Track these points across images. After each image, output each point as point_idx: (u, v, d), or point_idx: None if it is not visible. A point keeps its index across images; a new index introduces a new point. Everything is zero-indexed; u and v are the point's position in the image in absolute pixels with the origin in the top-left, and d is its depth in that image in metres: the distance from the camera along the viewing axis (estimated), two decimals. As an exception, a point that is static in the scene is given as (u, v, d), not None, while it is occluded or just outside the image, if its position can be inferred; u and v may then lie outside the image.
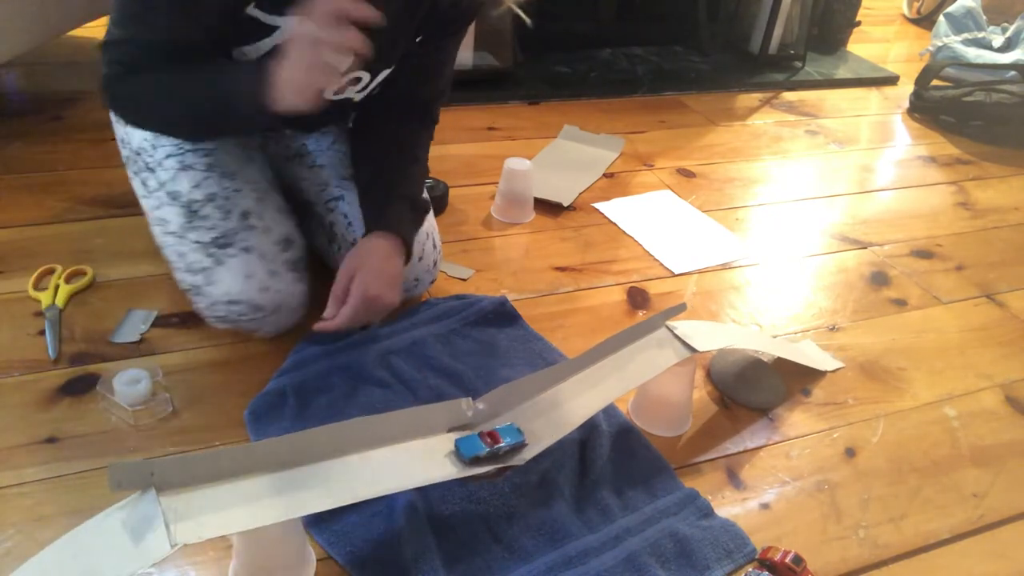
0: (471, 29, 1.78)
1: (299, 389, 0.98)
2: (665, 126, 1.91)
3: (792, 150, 1.88)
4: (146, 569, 0.65)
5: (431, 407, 0.81)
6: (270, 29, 0.91)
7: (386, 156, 1.10)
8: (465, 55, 1.88)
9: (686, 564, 0.83)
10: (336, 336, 1.04)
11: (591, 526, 0.86)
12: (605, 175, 1.64)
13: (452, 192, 1.47)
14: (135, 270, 1.18)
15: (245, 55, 0.94)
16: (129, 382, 0.93)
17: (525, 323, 1.17)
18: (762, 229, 1.52)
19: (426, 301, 1.18)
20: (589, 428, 0.96)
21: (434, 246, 1.16)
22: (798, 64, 2.34)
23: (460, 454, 0.78)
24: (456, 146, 1.68)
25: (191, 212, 0.99)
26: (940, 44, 2.43)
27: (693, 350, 0.96)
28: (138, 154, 1.04)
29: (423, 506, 0.84)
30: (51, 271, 1.14)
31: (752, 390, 1.09)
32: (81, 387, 0.97)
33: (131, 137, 1.05)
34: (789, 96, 2.20)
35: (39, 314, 1.08)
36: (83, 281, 1.13)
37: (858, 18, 2.56)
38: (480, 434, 0.80)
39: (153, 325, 1.08)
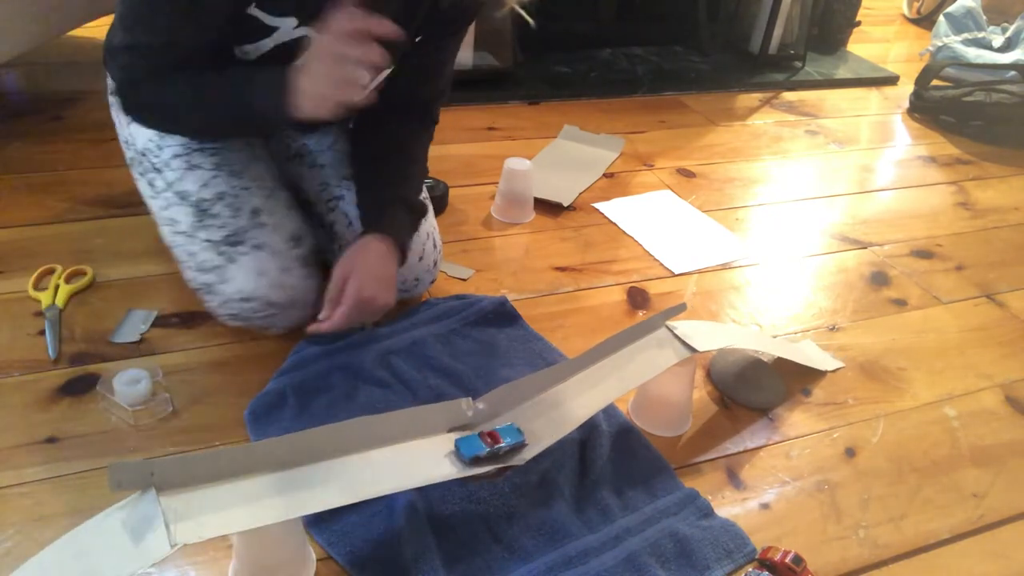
0: (471, 29, 1.78)
1: (299, 389, 0.98)
2: (665, 126, 1.91)
3: (792, 150, 1.88)
4: (146, 569, 0.65)
5: (431, 407, 0.81)
6: (270, 29, 0.92)
7: (385, 156, 1.10)
8: (465, 55, 1.88)
9: (686, 564, 0.83)
10: (336, 336, 1.04)
11: (591, 526, 0.86)
12: (605, 175, 1.64)
13: (452, 192, 1.47)
14: (135, 270, 1.18)
15: (246, 54, 0.95)
16: (129, 382, 0.93)
17: (525, 323, 1.17)
18: (762, 229, 1.52)
19: (426, 301, 1.18)
20: (589, 428, 0.96)
21: (434, 246, 1.16)
22: (798, 64, 2.34)
23: (460, 454, 0.78)
24: (456, 146, 1.68)
25: (201, 211, 0.99)
26: (940, 44, 2.43)
27: (693, 350, 0.96)
28: (143, 155, 1.04)
29: (423, 506, 0.84)
30: (51, 271, 1.15)
31: (752, 390, 1.09)
32: (81, 387, 0.97)
33: (136, 138, 1.05)
34: (789, 96, 2.20)
35: (39, 314, 1.08)
36: (83, 281, 1.13)
37: (858, 18, 2.56)
38: (480, 434, 0.80)
39: (153, 325, 1.08)
